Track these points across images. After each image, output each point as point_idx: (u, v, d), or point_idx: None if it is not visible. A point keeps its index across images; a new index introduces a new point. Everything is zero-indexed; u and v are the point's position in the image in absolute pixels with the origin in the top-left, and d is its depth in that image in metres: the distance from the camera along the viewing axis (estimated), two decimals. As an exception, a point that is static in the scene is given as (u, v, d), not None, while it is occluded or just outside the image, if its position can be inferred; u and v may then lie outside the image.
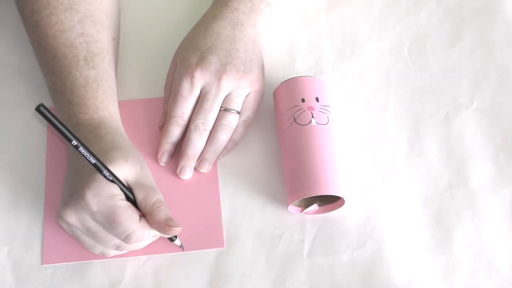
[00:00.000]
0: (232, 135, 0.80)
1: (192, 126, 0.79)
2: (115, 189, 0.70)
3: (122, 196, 0.70)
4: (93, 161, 0.68)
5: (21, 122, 0.84)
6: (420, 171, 0.81)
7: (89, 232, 0.71)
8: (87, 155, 0.68)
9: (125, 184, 0.71)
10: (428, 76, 0.86)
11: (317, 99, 0.79)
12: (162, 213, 0.70)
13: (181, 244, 0.75)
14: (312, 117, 0.77)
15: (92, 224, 0.70)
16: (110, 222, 0.69)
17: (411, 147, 0.82)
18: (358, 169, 0.81)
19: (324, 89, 0.81)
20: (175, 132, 0.80)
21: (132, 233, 0.69)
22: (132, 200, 0.71)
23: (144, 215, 0.71)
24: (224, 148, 0.80)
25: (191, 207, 0.78)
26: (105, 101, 0.76)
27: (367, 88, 0.86)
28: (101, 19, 0.80)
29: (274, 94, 0.82)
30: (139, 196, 0.71)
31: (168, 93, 0.82)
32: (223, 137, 0.80)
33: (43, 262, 0.76)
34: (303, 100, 0.78)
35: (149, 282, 0.75)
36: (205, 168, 0.80)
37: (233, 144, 0.81)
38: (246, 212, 0.78)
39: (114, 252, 0.74)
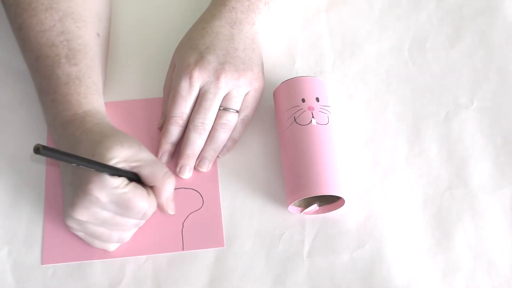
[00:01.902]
0: (232, 133, 0.81)
1: (191, 126, 0.79)
2: (117, 178, 0.70)
3: (126, 181, 0.70)
4: (94, 168, 0.68)
5: (21, 122, 0.84)
6: (420, 171, 0.81)
7: (105, 222, 0.71)
8: (88, 166, 0.68)
9: (128, 168, 0.71)
10: (428, 76, 0.86)
11: (317, 99, 0.79)
12: (169, 191, 0.72)
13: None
14: (313, 117, 0.77)
15: (106, 214, 0.70)
16: (124, 208, 0.70)
17: (411, 147, 0.82)
18: (358, 169, 0.81)
19: (324, 89, 0.81)
20: (174, 131, 0.80)
21: (148, 210, 0.71)
22: (135, 179, 0.71)
23: (153, 187, 0.72)
24: (224, 146, 0.81)
25: (191, 207, 0.78)
26: (89, 95, 0.76)
27: (367, 88, 0.86)
28: (84, 15, 0.80)
29: (274, 94, 0.82)
30: (145, 171, 0.71)
31: (167, 93, 0.82)
32: (223, 136, 0.80)
33: (43, 262, 0.76)
34: (303, 100, 0.78)
35: (149, 282, 0.75)
36: (205, 167, 0.80)
37: (232, 143, 0.81)
38: (246, 212, 0.78)
39: (132, 233, 0.75)
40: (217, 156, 0.81)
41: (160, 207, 0.73)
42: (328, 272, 0.75)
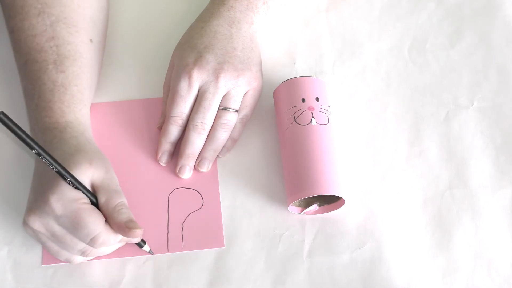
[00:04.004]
0: (231, 133, 0.81)
1: (190, 126, 0.79)
2: (79, 193, 0.69)
3: (86, 199, 0.70)
4: (56, 169, 0.67)
5: (21, 121, 0.83)
6: (420, 171, 0.81)
7: (54, 237, 0.70)
8: (49, 163, 0.67)
9: (89, 189, 0.71)
10: (428, 76, 0.86)
11: (317, 99, 0.79)
12: (123, 216, 0.70)
13: (150, 250, 0.75)
14: (313, 117, 0.77)
15: (57, 229, 0.69)
16: (74, 226, 0.68)
17: (411, 147, 0.82)
18: (358, 169, 0.81)
19: (324, 89, 0.81)
20: (174, 131, 0.80)
21: (98, 236, 0.69)
22: (96, 204, 0.71)
23: (107, 218, 0.71)
24: (224, 146, 0.81)
25: (191, 207, 0.78)
26: (72, 105, 0.76)
27: (367, 88, 0.86)
28: (77, 20, 0.79)
29: (274, 94, 0.82)
30: (102, 199, 0.71)
31: (167, 93, 0.82)
32: (222, 135, 0.80)
33: (43, 262, 0.76)
34: (303, 100, 0.78)
35: (149, 282, 0.75)
36: (205, 167, 0.80)
37: (232, 142, 0.81)
38: (246, 212, 0.78)
39: (80, 259, 0.73)
40: (217, 156, 0.81)
41: (121, 234, 0.70)
42: (328, 272, 0.75)
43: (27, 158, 0.81)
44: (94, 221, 0.69)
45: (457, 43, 0.89)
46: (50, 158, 0.67)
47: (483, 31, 0.89)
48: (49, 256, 0.75)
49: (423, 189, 0.80)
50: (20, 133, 0.63)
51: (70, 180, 0.68)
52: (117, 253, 0.75)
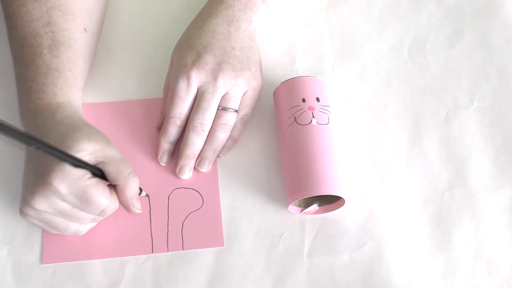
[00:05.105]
0: (231, 133, 0.81)
1: (190, 127, 0.79)
2: (81, 170, 0.70)
3: (90, 174, 0.70)
4: (55, 155, 0.68)
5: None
6: (420, 171, 0.81)
7: (62, 213, 0.71)
8: (48, 153, 0.67)
9: (91, 163, 0.71)
10: (428, 76, 0.86)
11: (317, 99, 0.79)
12: (133, 190, 0.72)
13: (146, 194, 0.78)
14: (313, 117, 0.77)
15: (65, 206, 0.70)
16: (83, 202, 0.70)
17: (411, 147, 0.82)
18: (358, 169, 0.81)
19: (324, 89, 0.81)
20: (173, 132, 0.80)
21: (107, 207, 0.71)
22: (99, 175, 0.71)
23: (116, 187, 0.72)
24: (224, 146, 0.81)
25: (191, 207, 0.78)
26: (65, 88, 0.76)
27: (367, 88, 0.86)
28: (73, 9, 0.80)
29: (275, 94, 0.82)
30: (109, 168, 0.71)
31: (167, 93, 0.82)
32: (222, 136, 0.80)
33: (43, 262, 0.76)
34: (303, 100, 0.78)
35: (149, 281, 0.75)
36: (205, 167, 0.80)
37: (232, 142, 0.81)
38: (246, 212, 0.78)
39: (88, 227, 0.75)
40: (218, 155, 0.81)
41: (124, 206, 0.73)
42: (328, 272, 0.75)
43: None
44: (102, 195, 0.70)
45: (457, 43, 0.89)
46: (46, 147, 0.67)
47: (483, 31, 0.89)
48: (48, 256, 0.76)
49: (423, 189, 0.80)
50: (13, 131, 0.63)
51: (72, 161, 0.69)
52: (117, 252, 0.76)
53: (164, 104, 0.82)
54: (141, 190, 0.76)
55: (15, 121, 0.81)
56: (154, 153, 0.81)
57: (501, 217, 0.78)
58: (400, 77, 0.86)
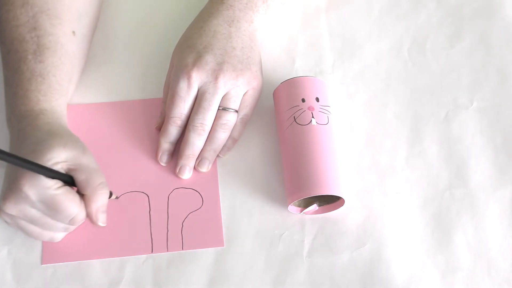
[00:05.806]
0: (231, 133, 0.81)
1: (190, 127, 0.79)
2: (51, 179, 0.70)
3: (60, 183, 0.70)
4: (24, 166, 0.68)
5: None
6: (420, 171, 0.81)
7: (34, 221, 0.71)
8: (16, 164, 0.68)
9: (63, 171, 0.71)
10: (428, 76, 0.86)
11: (317, 99, 0.79)
12: (99, 202, 0.72)
13: (116, 196, 0.77)
14: (313, 117, 0.77)
15: (35, 212, 0.70)
16: (52, 210, 0.70)
17: (411, 147, 0.82)
18: (358, 169, 0.81)
19: (324, 89, 0.81)
20: (173, 132, 0.80)
21: (76, 216, 0.71)
22: (70, 183, 0.71)
23: (84, 196, 0.72)
24: (224, 146, 0.81)
25: (191, 207, 0.78)
26: (49, 94, 0.77)
27: (367, 88, 0.86)
28: (60, 12, 0.80)
29: (274, 94, 0.82)
30: (80, 177, 0.71)
31: (167, 93, 0.82)
32: (222, 136, 0.80)
33: (43, 262, 0.76)
34: (303, 100, 0.78)
35: (149, 281, 0.75)
36: (205, 167, 0.80)
37: (232, 142, 0.81)
38: (246, 212, 0.78)
39: (63, 235, 0.75)
40: (218, 155, 0.81)
41: (89, 217, 0.73)
42: (328, 272, 0.75)
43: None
44: (71, 204, 0.70)
45: (457, 43, 0.89)
46: (14, 159, 0.67)
47: (483, 31, 0.89)
48: (48, 256, 0.76)
49: (423, 189, 0.80)
50: None
51: (40, 171, 0.69)
52: (117, 252, 0.76)
53: (164, 104, 0.82)
54: (111, 193, 0.75)
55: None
56: (154, 153, 0.81)
57: (501, 217, 0.78)
58: (400, 77, 0.86)
